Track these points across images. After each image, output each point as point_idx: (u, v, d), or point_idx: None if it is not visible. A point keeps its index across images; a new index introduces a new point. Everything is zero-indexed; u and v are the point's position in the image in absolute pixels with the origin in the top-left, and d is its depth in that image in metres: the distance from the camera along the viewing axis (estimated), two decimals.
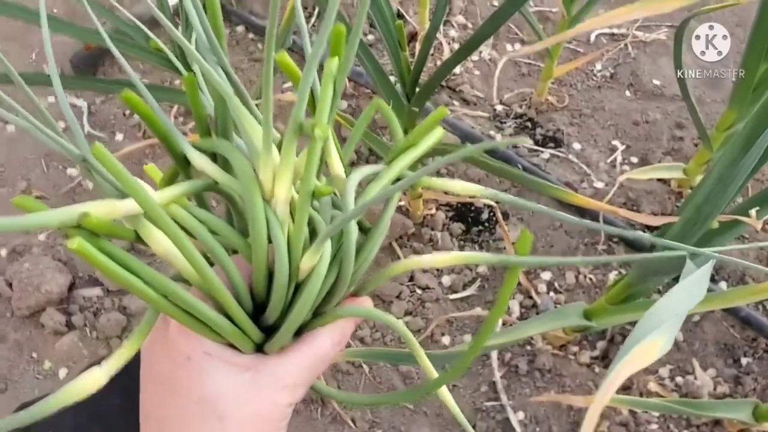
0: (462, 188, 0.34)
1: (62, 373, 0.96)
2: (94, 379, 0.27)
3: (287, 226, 0.31)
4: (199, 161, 0.32)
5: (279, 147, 0.31)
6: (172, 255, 0.29)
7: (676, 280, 0.98)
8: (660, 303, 0.36)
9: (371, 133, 1.00)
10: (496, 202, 1.07)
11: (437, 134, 0.35)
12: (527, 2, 0.94)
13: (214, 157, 0.34)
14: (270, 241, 0.31)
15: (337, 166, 0.34)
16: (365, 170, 0.34)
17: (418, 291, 1.03)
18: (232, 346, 0.32)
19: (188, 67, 0.96)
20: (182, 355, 0.31)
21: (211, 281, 0.29)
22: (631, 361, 0.33)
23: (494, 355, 0.97)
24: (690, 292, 0.36)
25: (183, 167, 0.33)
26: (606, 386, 0.33)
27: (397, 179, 0.34)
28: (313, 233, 0.32)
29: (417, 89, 0.87)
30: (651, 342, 0.34)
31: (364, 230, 0.34)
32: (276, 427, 0.32)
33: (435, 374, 0.35)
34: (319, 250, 0.31)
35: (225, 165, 0.33)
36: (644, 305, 0.84)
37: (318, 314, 0.34)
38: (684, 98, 0.96)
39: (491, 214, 1.09)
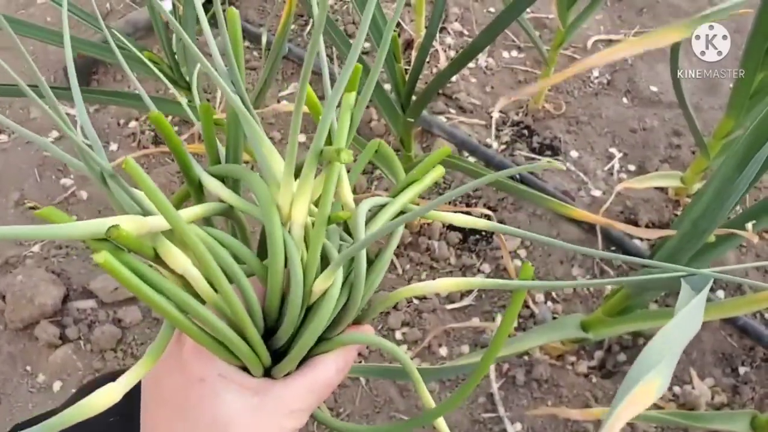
0: (465, 221, 0.35)
1: (56, 386, 0.95)
2: (109, 395, 0.27)
3: (302, 249, 0.32)
4: (214, 187, 0.33)
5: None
6: (189, 273, 0.29)
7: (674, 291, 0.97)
8: (656, 339, 0.36)
9: (367, 141, 0.99)
10: (494, 211, 1.06)
11: (438, 172, 0.36)
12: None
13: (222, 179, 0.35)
14: (285, 265, 0.31)
15: (347, 194, 0.34)
16: (372, 201, 0.35)
17: (416, 301, 1.02)
18: (243, 368, 0.32)
19: (182, 78, 0.95)
20: (195, 376, 0.31)
21: (231, 301, 0.30)
22: (630, 405, 0.33)
23: (491, 366, 0.97)
24: (685, 325, 0.35)
25: (196, 191, 0.34)
26: (608, 427, 0.33)
27: (401, 212, 0.35)
28: (322, 258, 0.33)
29: (413, 98, 0.87)
30: (648, 382, 0.33)
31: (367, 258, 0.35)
32: None
33: (433, 404, 0.35)
34: (332, 275, 0.32)
35: (234, 188, 0.34)
36: (641, 317, 0.83)
37: (322, 341, 0.35)
38: (681, 105, 0.96)
39: None
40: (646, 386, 0.33)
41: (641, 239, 1.07)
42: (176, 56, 0.95)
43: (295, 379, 0.33)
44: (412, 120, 0.86)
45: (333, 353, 0.35)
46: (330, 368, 0.34)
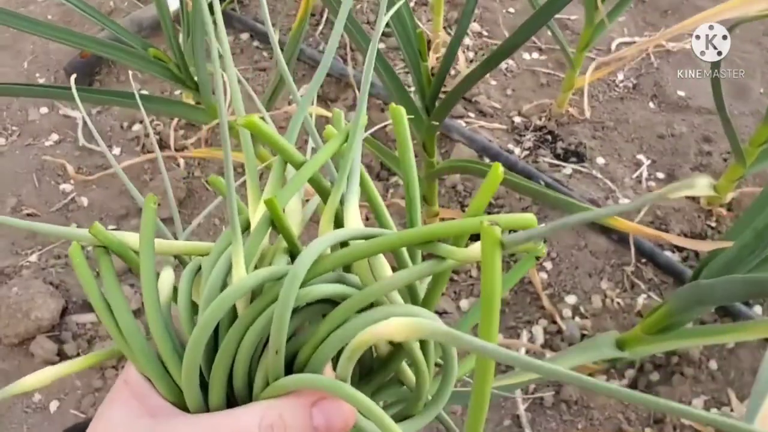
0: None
1: (53, 406, 0.89)
2: (40, 379, 0.29)
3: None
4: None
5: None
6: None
7: (721, 308, 0.92)
8: None
9: (383, 146, 0.94)
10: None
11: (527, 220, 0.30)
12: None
13: None
14: None
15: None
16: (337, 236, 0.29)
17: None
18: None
19: (190, 78, 0.89)
20: (114, 386, 0.30)
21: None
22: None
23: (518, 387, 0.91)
24: None
25: None
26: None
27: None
28: None
29: (436, 102, 0.81)
30: None
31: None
32: None
33: None
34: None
35: None
36: (683, 335, 0.78)
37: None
38: (719, 110, 0.90)
39: (511, 232, 1.02)
40: None
41: (672, 251, 1.01)
42: (184, 55, 0.90)
43: (199, 419, 0.28)
44: (437, 123, 0.80)
45: (267, 402, 0.28)
46: (249, 419, 0.27)
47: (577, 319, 0.97)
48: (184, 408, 0.29)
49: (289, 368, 0.28)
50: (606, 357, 0.80)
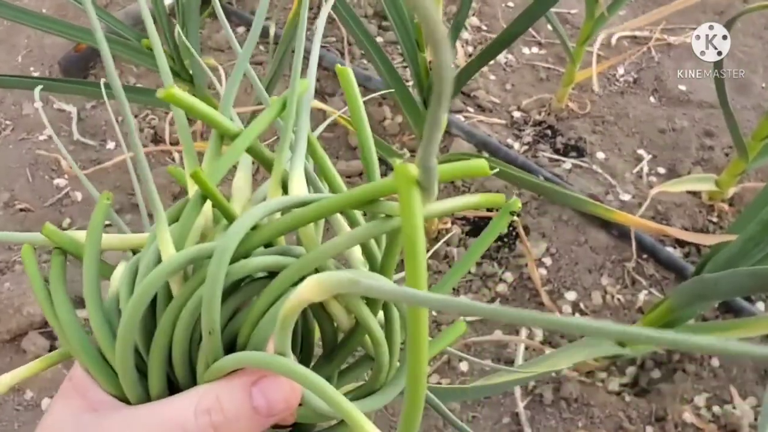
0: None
1: (45, 404, 0.88)
2: None
3: None
4: None
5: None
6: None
7: (723, 305, 0.90)
8: None
9: (381, 140, 0.92)
10: (517, 215, 0.99)
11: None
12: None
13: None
14: None
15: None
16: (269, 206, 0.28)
17: (434, 312, 0.95)
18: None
19: (184, 70, 0.88)
20: (63, 383, 0.30)
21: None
22: None
23: (517, 384, 0.90)
24: None
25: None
26: None
27: None
28: None
29: None
30: None
31: None
32: None
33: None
34: None
35: None
36: (686, 331, 0.77)
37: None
38: (722, 105, 0.89)
39: (511, 228, 1.01)
40: None
41: (674, 247, 1.00)
42: (179, 48, 0.88)
43: (134, 415, 0.26)
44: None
45: (204, 386, 0.26)
46: (182, 407, 0.25)
47: (576, 315, 0.95)
48: (127, 401, 0.28)
49: (232, 350, 0.27)
50: (607, 354, 0.79)
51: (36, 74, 1.22)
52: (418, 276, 0.19)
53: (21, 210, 1.05)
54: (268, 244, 0.28)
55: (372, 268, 0.28)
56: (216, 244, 0.25)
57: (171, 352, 0.27)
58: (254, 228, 0.26)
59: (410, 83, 0.90)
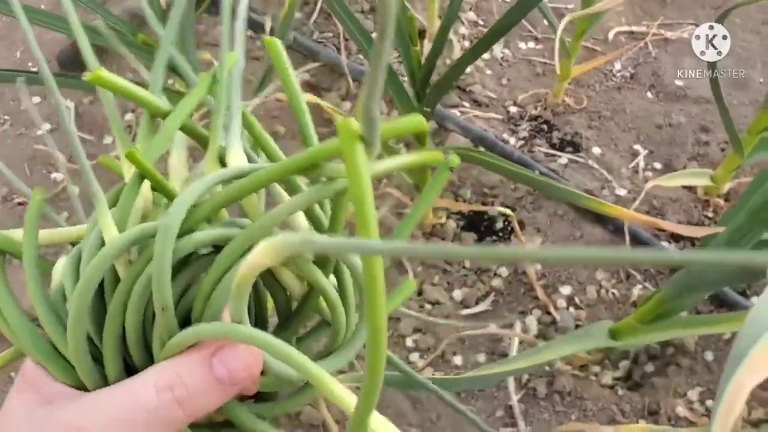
0: None
1: None
2: None
3: None
4: None
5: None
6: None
7: (716, 299, 0.90)
8: (762, 300, 0.30)
9: None
10: (513, 210, 1.00)
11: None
12: None
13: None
14: None
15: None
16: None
17: (428, 306, 0.95)
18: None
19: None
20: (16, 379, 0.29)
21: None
22: (751, 372, 0.26)
23: (511, 377, 0.90)
24: None
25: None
26: (727, 405, 0.26)
27: None
28: None
29: (428, 89, 0.80)
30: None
31: None
32: None
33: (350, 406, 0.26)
34: None
35: None
36: (678, 324, 0.77)
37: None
38: (717, 100, 0.89)
39: (506, 223, 1.01)
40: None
41: (669, 242, 1.00)
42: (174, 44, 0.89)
43: (91, 401, 0.26)
44: (429, 110, 0.79)
45: (162, 363, 0.26)
46: (143, 387, 0.25)
47: (571, 309, 0.96)
48: (86, 389, 0.28)
49: (187, 326, 0.27)
50: (599, 346, 0.79)
51: (34, 70, 1.23)
52: (369, 228, 0.19)
53: (19, 204, 1.05)
54: (210, 221, 0.28)
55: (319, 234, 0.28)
56: (159, 222, 0.26)
57: (125, 335, 0.27)
58: (195, 205, 0.26)
59: (406, 79, 0.90)
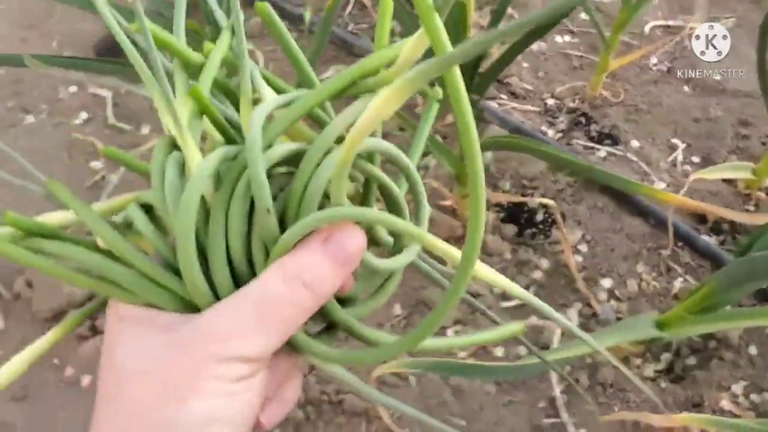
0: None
1: (85, 380, 0.89)
2: (13, 370, 0.29)
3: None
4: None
5: None
6: None
7: (759, 293, 0.90)
8: None
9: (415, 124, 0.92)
10: (553, 201, 0.99)
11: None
12: None
13: None
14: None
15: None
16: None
17: (468, 297, 0.95)
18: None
19: None
20: (107, 331, 0.28)
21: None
22: None
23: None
24: None
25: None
26: None
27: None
28: None
29: (475, 78, 0.80)
30: None
31: None
32: (229, 388, 0.26)
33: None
34: None
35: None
36: (728, 316, 0.76)
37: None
38: (763, 93, 0.89)
39: (546, 215, 1.01)
40: None
41: (709, 235, 0.99)
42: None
43: (222, 306, 0.26)
44: (478, 98, 0.79)
45: (279, 260, 0.27)
46: (270, 279, 0.26)
47: (612, 302, 0.95)
48: (195, 312, 0.28)
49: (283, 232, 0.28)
50: (645, 337, 0.79)
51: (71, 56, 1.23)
52: (443, 46, 0.22)
53: None
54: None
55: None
56: (238, 147, 0.28)
57: (228, 249, 0.28)
58: (264, 127, 0.28)
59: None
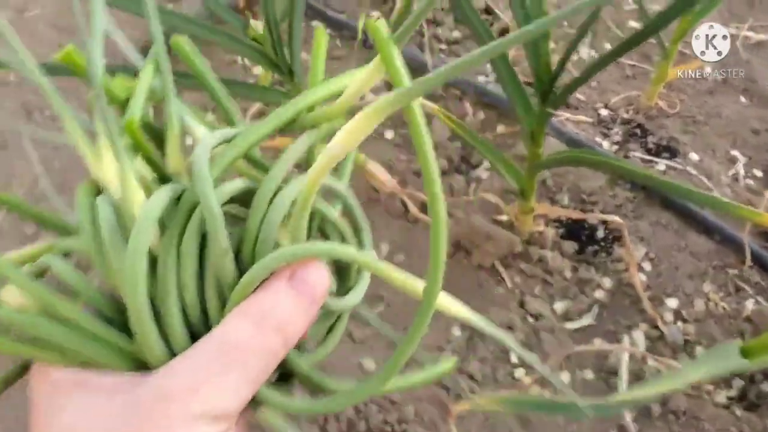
0: None
1: None
2: None
3: None
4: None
5: None
6: None
7: None
8: None
9: (471, 130, 0.87)
10: (619, 218, 0.95)
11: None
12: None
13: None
14: None
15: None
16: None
17: (530, 319, 0.91)
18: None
19: (284, 62, 0.84)
20: (36, 402, 0.24)
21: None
22: None
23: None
24: None
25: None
26: None
27: None
28: None
29: (551, 92, 0.76)
30: None
31: None
32: None
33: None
34: None
35: None
36: None
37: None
38: None
39: (607, 231, 0.97)
40: None
41: None
42: (281, 42, 0.84)
43: (182, 360, 0.24)
44: (553, 111, 0.75)
45: (242, 304, 0.25)
46: (237, 325, 0.24)
47: (679, 323, 0.91)
48: (143, 370, 0.25)
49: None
50: (735, 370, 0.74)
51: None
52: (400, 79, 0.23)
53: None
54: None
55: None
56: (181, 185, 0.27)
57: (181, 298, 0.26)
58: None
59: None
